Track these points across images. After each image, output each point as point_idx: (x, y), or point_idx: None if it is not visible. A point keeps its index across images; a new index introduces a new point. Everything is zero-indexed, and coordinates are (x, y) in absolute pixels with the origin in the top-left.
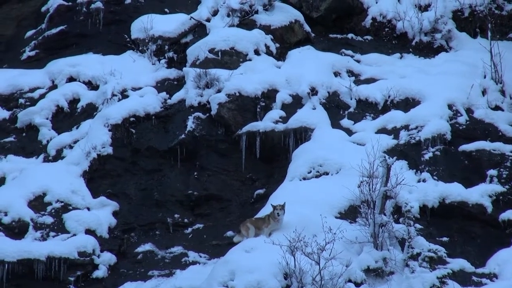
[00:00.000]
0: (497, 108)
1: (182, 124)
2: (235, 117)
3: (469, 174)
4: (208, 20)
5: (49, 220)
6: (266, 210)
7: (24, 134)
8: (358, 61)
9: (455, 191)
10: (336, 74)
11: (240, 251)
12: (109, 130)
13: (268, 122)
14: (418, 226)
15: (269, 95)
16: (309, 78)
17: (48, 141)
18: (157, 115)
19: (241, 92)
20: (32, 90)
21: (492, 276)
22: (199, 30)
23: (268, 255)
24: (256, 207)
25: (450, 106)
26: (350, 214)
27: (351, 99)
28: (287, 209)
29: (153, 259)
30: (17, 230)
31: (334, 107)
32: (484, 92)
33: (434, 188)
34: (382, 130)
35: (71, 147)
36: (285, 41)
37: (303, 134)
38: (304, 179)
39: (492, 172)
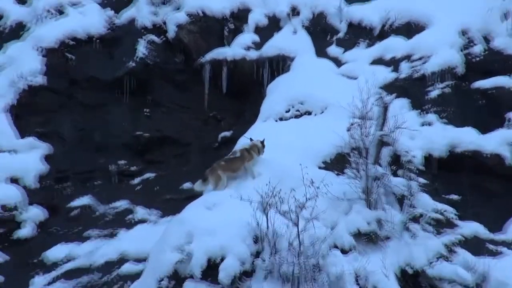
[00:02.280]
0: None
1: (131, 50)
2: (197, 41)
3: (484, 117)
4: None
5: None
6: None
7: None
8: None
9: (467, 138)
10: None
11: (200, 208)
12: (42, 56)
13: (238, 48)
14: (421, 180)
15: (240, 16)
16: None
17: None
18: (101, 37)
19: (205, 11)
20: None
21: None
22: None
23: (235, 213)
24: (221, 153)
25: (462, 33)
26: (337, 164)
27: (340, 22)
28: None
29: (92, 216)
30: None
31: (320, 31)
32: (505, 17)
33: (441, 133)
34: (378, 61)
35: None
36: None
37: (280, 64)
38: (281, 119)
39: None
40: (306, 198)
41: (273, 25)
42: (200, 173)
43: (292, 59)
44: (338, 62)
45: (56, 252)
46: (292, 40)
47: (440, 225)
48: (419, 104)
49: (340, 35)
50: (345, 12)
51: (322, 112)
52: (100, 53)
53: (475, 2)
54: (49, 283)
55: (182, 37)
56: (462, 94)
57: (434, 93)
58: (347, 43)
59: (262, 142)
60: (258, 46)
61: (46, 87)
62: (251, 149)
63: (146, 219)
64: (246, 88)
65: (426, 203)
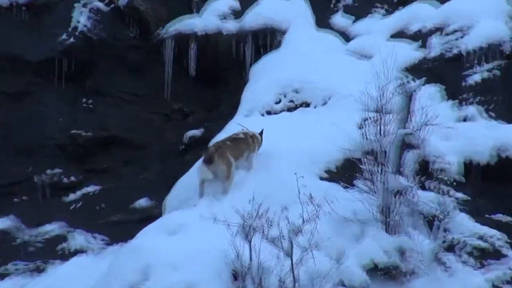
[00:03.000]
0: None
1: (67, 20)
2: (157, 9)
3: None
4: None
5: None
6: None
7: None
8: None
9: None
10: None
11: (160, 233)
12: None
13: (211, 18)
14: (458, 195)
15: None
16: None
17: None
18: (28, 4)
19: None
20: None
21: None
22: None
23: (207, 239)
24: (188, 158)
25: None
26: (345, 173)
27: None
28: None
29: (13, 244)
30: None
31: None
32: None
33: (486, 132)
34: (400, 35)
35: None
36: None
37: (268, 39)
38: (269, 113)
39: None
40: (303, 220)
41: None
42: (161, 185)
43: (283, 33)
44: (345, 36)
45: None
46: (283, 7)
47: (485, 256)
48: (455, 92)
49: (348, 1)
50: None
51: (325, 104)
52: (26, 25)
53: None
54: None
55: (137, 4)
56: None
57: (475, 77)
58: (358, 11)
59: (261, 134)
60: (238, 15)
61: None
62: (254, 138)
63: (86, 248)
64: (221, 71)
65: (465, 227)
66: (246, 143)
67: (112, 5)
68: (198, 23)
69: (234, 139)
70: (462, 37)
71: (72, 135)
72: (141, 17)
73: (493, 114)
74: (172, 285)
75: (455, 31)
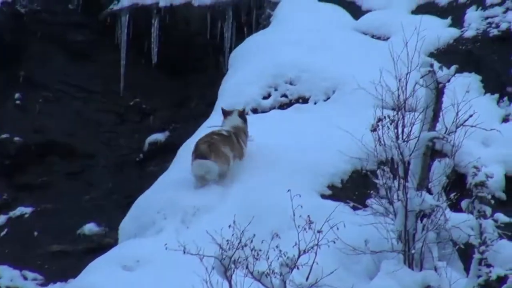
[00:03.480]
0: None
1: None
2: None
3: None
4: None
5: None
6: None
7: None
8: None
9: None
10: None
11: (113, 268)
12: None
13: None
14: (502, 218)
15: None
16: None
17: None
18: None
19: None
20: None
21: None
22: None
23: (174, 276)
24: (148, 171)
25: None
26: (354, 189)
27: None
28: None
29: None
30: None
31: None
32: None
33: None
34: (426, 8)
35: None
36: None
37: (253, 14)
38: (256, 111)
39: None
40: (300, 250)
41: None
42: (113, 206)
43: (274, 5)
44: (355, 10)
45: None
46: None
47: None
48: (498, 83)
49: None
50: None
51: (328, 99)
52: None
53: None
54: None
55: None
56: None
57: None
58: None
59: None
60: None
61: None
62: (239, 135)
63: None
64: (193, 57)
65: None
66: (231, 143)
67: None
68: None
69: (220, 135)
70: (509, 10)
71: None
72: None
73: None
74: None
75: (501, 2)
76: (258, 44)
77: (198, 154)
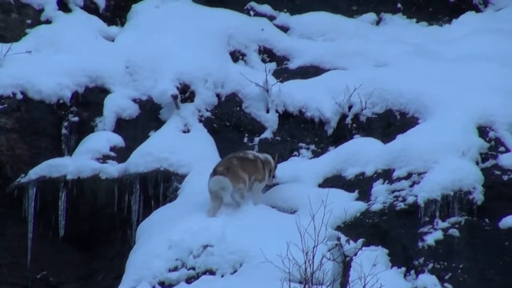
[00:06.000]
0: None
1: None
2: (15, 147)
3: None
4: None
5: None
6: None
7: None
8: (284, 29)
9: None
10: (237, 56)
11: None
12: None
13: (86, 158)
14: None
15: (90, 100)
16: (177, 65)
17: None
18: None
19: (27, 92)
20: None
21: None
22: None
23: None
24: None
25: (481, 130)
26: None
27: (267, 110)
28: None
29: None
30: None
31: (231, 128)
32: None
33: None
34: (334, 180)
35: None
36: None
37: (161, 187)
38: (163, 284)
39: None
40: None
41: (148, 116)
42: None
43: (181, 177)
44: None
45: None
46: (182, 144)
47: None
48: (405, 257)
49: (267, 133)
50: (276, 93)
51: (235, 272)
52: None
53: (505, 73)
54: None
55: None
56: (483, 239)
57: (432, 237)
58: (279, 149)
59: (274, 159)
60: (121, 154)
61: None
62: (265, 164)
63: None
64: (99, 229)
65: None
66: (255, 167)
67: None
68: (69, 166)
69: (242, 159)
70: (414, 184)
71: None
72: None
73: (449, 287)
74: None
75: (407, 175)
76: (165, 217)
77: (215, 172)
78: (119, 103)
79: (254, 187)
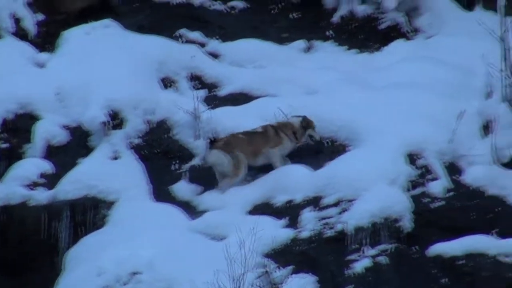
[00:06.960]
0: None
1: None
2: None
3: None
4: None
5: None
6: None
7: None
8: (215, 56)
9: None
10: (167, 82)
11: None
12: None
13: (15, 185)
14: None
15: (19, 127)
16: (107, 92)
17: None
18: None
19: None
20: None
21: None
22: None
23: None
24: None
25: (411, 157)
26: None
27: (197, 137)
28: None
29: None
30: None
31: (161, 155)
32: (487, 127)
33: None
34: (263, 208)
35: None
36: (56, 10)
37: (90, 214)
38: None
39: None
40: None
41: (78, 143)
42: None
43: (110, 205)
44: (191, 210)
45: None
46: (111, 172)
47: None
48: (334, 284)
49: (196, 160)
50: (205, 120)
51: None
52: None
53: (435, 100)
54: None
55: None
56: (411, 266)
57: (360, 264)
58: (208, 175)
59: (305, 120)
60: (51, 181)
61: None
62: (280, 129)
63: None
64: (27, 256)
65: None
66: (264, 138)
67: None
68: None
69: (249, 133)
70: (343, 211)
71: None
72: None
73: None
74: None
75: (336, 203)
76: (93, 245)
77: (212, 147)
78: (48, 130)
79: (270, 154)
